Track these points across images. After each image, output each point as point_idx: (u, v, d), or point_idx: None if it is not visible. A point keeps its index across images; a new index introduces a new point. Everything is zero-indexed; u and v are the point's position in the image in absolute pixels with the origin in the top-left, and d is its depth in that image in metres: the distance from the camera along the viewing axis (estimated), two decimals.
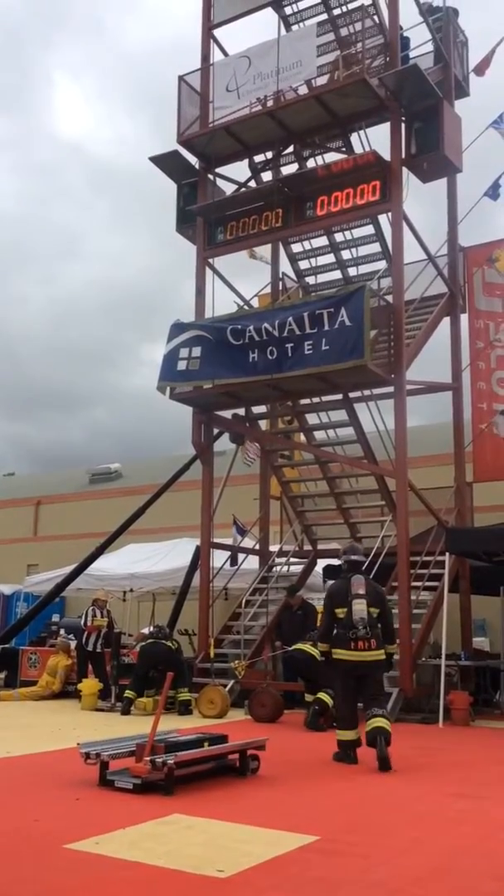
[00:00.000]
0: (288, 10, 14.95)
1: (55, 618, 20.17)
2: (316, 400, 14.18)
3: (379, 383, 12.73)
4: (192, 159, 14.96)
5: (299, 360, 12.22)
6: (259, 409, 14.97)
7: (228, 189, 15.17)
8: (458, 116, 13.81)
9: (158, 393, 13.73)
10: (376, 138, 13.93)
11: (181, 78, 14.77)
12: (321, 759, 7.81)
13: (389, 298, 12.78)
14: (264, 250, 16.11)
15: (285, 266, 16.05)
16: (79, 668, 14.05)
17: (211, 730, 8.16)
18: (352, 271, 15.57)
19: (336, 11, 14.17)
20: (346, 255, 15.56)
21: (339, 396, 13.27)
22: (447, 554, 11.99)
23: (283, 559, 15.49)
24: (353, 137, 14.31)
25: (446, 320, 14.49)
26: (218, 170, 15.10)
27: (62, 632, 16.27)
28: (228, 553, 15.06)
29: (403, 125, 13.13)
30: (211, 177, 15.03)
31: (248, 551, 15.45)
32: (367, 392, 13.56)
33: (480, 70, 15.33)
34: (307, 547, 15.73)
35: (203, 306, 14.55)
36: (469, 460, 14.45)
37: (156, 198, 69.20)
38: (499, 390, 14.37)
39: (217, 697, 11.45)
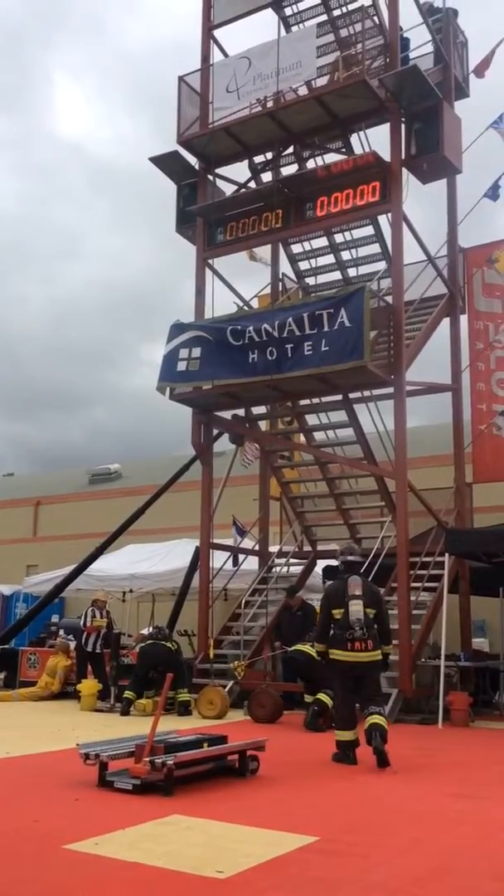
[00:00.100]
0: (288, 11, 14.96)
1: (54, 618, 20.18)
2: (316, 401, 14.17)
3: (379, 384, 12.73)
4: (192, 160, 14.97)
5: (299, 360, 12.23)
6: (259, 409, 14.96)
7: (228, 190, 15.18)
8: (458, 117, 13.82)
9: (158, 393, 13.74)
10: (376, 139, 13.98)
11: (181, 78, 14.78)
12: (321, 760, 7.81)
13: (389, 299, 12.77)
14: (264, 251, 16.12)
15: (285, 267, 16.07)
16: (78, 669, 14.03)
17: (210, 730, 8.16)
18: (352, 272, 15.58)
19: (336, 12, 14.17)
20: (345, 255, 15.58)
21: (339, 397, 13.27)
22: (447, 555, 11.98)
23: (283, 560, 15.48)
24: (353, 138, 14.32)
25: (446, 321, 14.50)
26: (218, 170, 15.11)
27: (61, 632, 16.25)
28: (228, 553, 15.06)
29: (403, 126, 13.14)
30: (211, 177, 15.03)
31: (247, 552, 15.45)
32: (366, 393, 13.56)
33: (480, 71, 15.34)
34: (307, 548, 15.72)
35: (203, 307, 14.55)
36: (469, 461, 14.44)
37: (156, 198, 69.30)
38: (498, 391, 14.38)
39: (216, 698, 11.45)
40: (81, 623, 14.14)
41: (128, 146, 76.35)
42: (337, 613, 7.86)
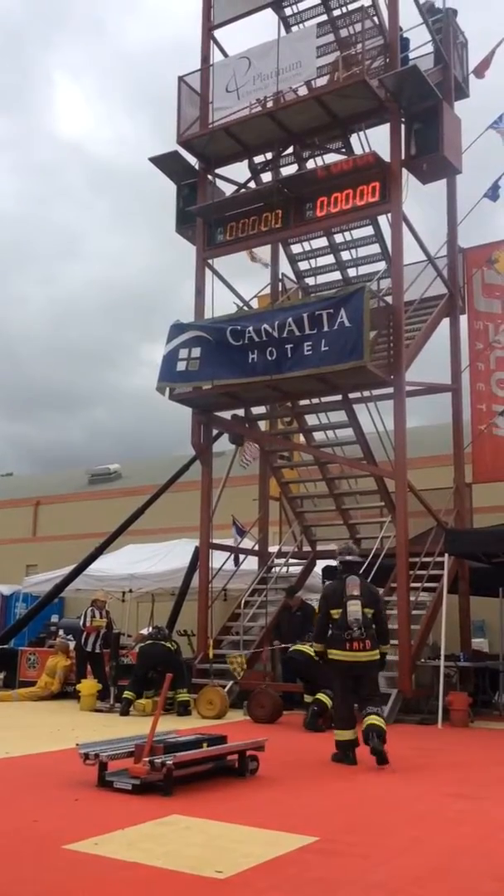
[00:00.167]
0: (288, 11, 14.96)
1: (54, 618, 20.18)
2: (315, 401, 14.17)
3: (378, 384, 12.73)
4: (192, 160, 14.97)
5: (299, 360, 12.22)
6: (258, 409, 14.96)
7: (228, 190, 15.17)
8: (458, 117, 13.82)
9: (158, 393, 13.74)
10: (376, 139, 13.98)
11: (181, 78, 14.78)
12: (320, 760, 7.81)
13: (389, 299, 12.77)
14: (264, 251, 16.12)
15: (285, 267, 16.07)
16: (78, 669, 14.03)
17: (210, 730, 8.16)
18: (351, 272, 15.57)
19: (336, 12, 14.18)
20: (345, 256, 15.57)
21: (339, 397, 13.27)
22: (446, 555, 11.99)
23: (283, 560, 15.48)
24: (353, 138, 14.31)
25: (446, 321, 14.50)
26: (218, 170, 15.10)
27: (61, 632, 16.26)
28: (228, 553, 15.05)
29: (403, 126, 13.14)
30: (211, 177, 15.03)
31: (247, 552, 15.44)
32: (366, 393, 13.56)
33: (480, 72, 15.34)
34: (306, 548, 15.72)
35: (203, 307, 14.55)
36: (468, 461, 14.44)
37: (156, 198, 69.38)
38: (498, 391, 14.38)
39: (216, 698, 11.45)
40: (81, 623, 14.14)
41: (128, 146, 76.46)
42: (335, 613, 7.87)
